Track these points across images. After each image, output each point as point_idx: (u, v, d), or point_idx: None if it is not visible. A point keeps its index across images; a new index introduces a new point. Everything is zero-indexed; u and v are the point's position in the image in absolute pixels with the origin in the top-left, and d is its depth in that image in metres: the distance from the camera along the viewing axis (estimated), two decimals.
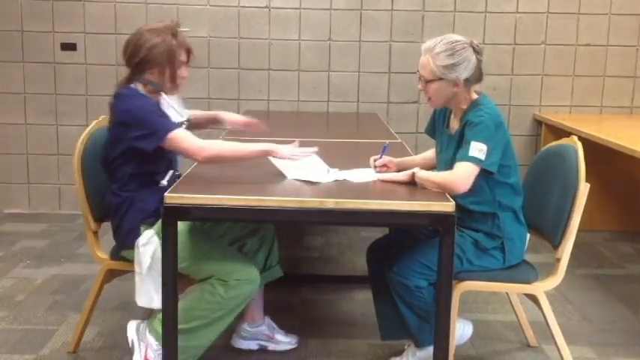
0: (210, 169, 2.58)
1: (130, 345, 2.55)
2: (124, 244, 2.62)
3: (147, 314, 3.14)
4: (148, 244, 2.46)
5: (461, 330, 2.77)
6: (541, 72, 5.08)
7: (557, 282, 2.62)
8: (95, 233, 2.80)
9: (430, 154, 2.90)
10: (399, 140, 3.52)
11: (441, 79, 2.51)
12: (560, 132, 4.24)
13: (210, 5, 4.98)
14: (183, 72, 2.62)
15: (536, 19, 5.01)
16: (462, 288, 2.58)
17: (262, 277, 2.83)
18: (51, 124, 5.09)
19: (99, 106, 5.00)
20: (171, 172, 2.64)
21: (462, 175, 2.40)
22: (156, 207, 2.46)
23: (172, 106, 2.66)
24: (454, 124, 2.65)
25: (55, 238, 4.54)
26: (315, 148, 2.60)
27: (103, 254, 2.79)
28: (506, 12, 5.00)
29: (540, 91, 5.11)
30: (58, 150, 5.12)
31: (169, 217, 2.21)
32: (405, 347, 2.83)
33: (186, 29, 2.65)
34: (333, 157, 2.80)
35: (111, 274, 2.81)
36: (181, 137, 2.47)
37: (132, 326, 2.59)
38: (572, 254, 2.63)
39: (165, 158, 2.60)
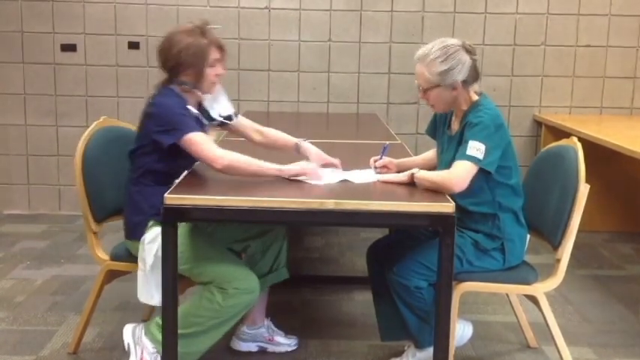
0: (210, 170, 2.58)
1: (127, 348, 2.55)
2: (131, 235, 2.63)
3: (146, 316, 3.15)
4: (153, 242, 2.46)
5: (461, 331, 2.77)
6: (541, 73, 5.09)
7: (557, 283, 2.62)
8: (95, 234, 2.80)
9: (430, 154, 2.91)
10: (399, 141, 3.52)
11: (438, 85, 2.52)
12: (560, 133, 4.24)
13: (210, 6, 4.98)
14: (217, 69, 2.61)
15: (536, 20, 5.02)
16: (462, 289, 2.58)
17: (268, 279, 2.83)
18: (51, 125, 5.09)
19: (99, 107, 5.01)
20: (186, 173, 2.63)
21: (459, 173, 2.40)
22: None
23: (217, 102, 2.69)
24: (455, 126, 2.65)
25: (55, 239, 4.54)
26: (337, 161, 2.59)
27: (103, 255, 2.79)
28: (505, 13, 5.00)
29: (540, 92, 5.11)
30: (58, 151, 5.12)
31: (169, 217, 2.21)
32: (405, 348, 2.83)
33: (217, 27, 2.65)
34: (332, 157, 2.80)
35: (111, 275, 2.81)
36: (199, 141, 2.45)
37: (128, 330, 2.59)
38: (572, 255, 2.63)
39: (184, 160, 2.58)
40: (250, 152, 2.52)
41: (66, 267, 4.00)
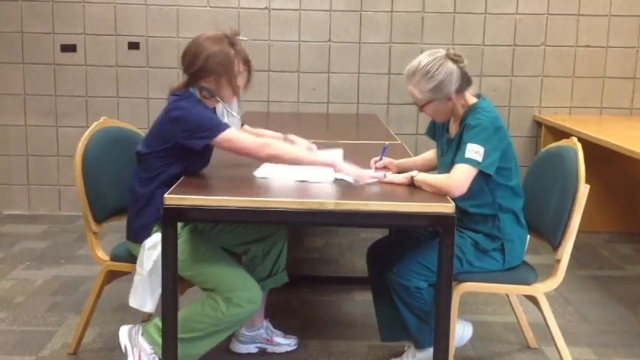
0: (210, 170, 2.58)
1: (124, 350, 2.55)
2: (134, 237, 2.60)
3: (145, 317, 3.15)
4: (154, 248, 2.46)
5: (461, 331, 2.77)
6: (541, 73, 5.09)
7: (557, 283, 2.62)
8: (95, 234, 2.80)
9: (430, 154, 2.90)
10: (399, 141, 3.52)
11: (432, 100, 2.52)
12: (560, 133, 4.24)
13: (210, 6, 4.98)
14: (239, 81, 2.60)
15: (535, 21, 5.02)
16: (462, 289, 2.58)
17: (267, 283, 2.83)
18: (51, 126, 5.09)
19: (99, 108, 5.01)
20: None
21: (459, 177, 2.40)
22: None
23: (229, 112, 2.68)
24: (453, 128, 2.65)
25: (54, 239, 4.54)
26: (383, 174, 2.54)
27: (103, 255, 2.79)
28: (505, 13, 5.00)
29: (540, 93, 5.11)
30: (58, 151, 5.12)
31: (169, 218, 2.21)
32: (405, 348, 2.83)
33: (245, 38, 2.64)
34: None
35: (111, 276, 2.81)
36: (235, 136, 2.47)
37: (124, 331, 2.58)
38: (572, 255, 2.63)
39: (200, 163, 2.58)
40: None
41: (66, 267, 4.00)
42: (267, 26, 5.00)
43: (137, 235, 2.58)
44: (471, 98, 2.59)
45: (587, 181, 2.55)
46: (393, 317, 2.75)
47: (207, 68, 2.52)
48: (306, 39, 5.02)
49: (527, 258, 2.73)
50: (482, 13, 5.00)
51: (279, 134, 2.92)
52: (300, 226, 4.46)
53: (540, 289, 2.61)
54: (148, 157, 2.55)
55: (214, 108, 2.67)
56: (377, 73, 5.06)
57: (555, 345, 2.64)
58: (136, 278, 2.49)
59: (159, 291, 2.39)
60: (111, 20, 4.97)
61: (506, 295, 3.07)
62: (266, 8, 4.99)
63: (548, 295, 2.68)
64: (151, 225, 2.53)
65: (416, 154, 3.06)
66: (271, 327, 2.97)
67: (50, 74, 5.03)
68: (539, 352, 3.02)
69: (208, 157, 2.63)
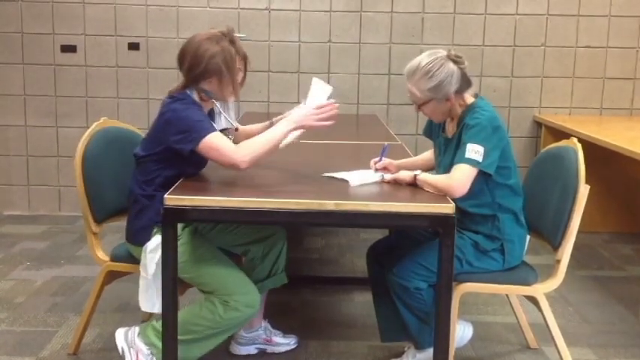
0: (210, 171, 2.58)
1: (121, 353, 2.55)
2: (133, 239, 2.60)
3: (145, 317, 3.15)
4: (155, 250, 2.45)
5: (461, 332, 2.77)
6: (541, 74, 5.09)
7: (557, 284, 2.62)
8: (95, 235, 2.80)
9: (430, 154, 2.90)
10: (399, 142, 3.52)
11: (431, 99, 2.52)
12: (560, 134, 4.24)
13: (210, 7, 4.98)
14: (238, 78, 2.58)
15: (535, 21, 5.02)
16: (462, 290, 2.58)
17: (266, 284, 2.83)
18: (51, 126, 5.09)
19: (99, 108, 5.01)
20: None
21: (460, 178, 2.40)
22: None
23: (225, 114, 2.66)
24: (450, 128, 2.65)
25: (54, 239, 4.54)
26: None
27: (103, 256, 2.79)
28: (505, 14, 5.00)
29: (540, 93, 5.11)
30: (58, 152, 5.12)
31: (169, 218, 2.21)
32: (405, 349, 2.83)
33: (242, 35, 2.63)
34: (333, 158, 2.81)
35: (111, 276, 2.81)
36: (216, 145, 2.37)
37: (120, 334, 2.59)
38: (572, 256, 2.63)
39: (196, 167, 2.56)
40: None
41: (66, 268, 4.00)
42: (267, 27, 5.00)
43: (136, 237, 2.58)
44: (468, 98, 2.59)
45: (587, 182, 2.55)
46: (392, 318, 2.75)
47: (210, 69, 2.50)
48: (306, 39, 5.03)
49: (527, 258, 2.73)
50: (482, 14, 5.00)
51: (265, 123, 2.90)
52: (300, 226, 4.46)
53: (540, 290, 2.61)
54: (145, 160, 2.55)
55: (211, 109, 2.66)
56: (377, 74, 5.06)
57: (555, 345, 2.64)
58: (142, 282, 2.49)
59: None
60: (111, 21, 4.97)
61: (506, 295, 3.07)
62: (266, 9, 4.99)
63: (548, 296, 2.68)
64: (149, 227, 2.53)
65: (416, 155, 3.06)
66: (270, 327, 2.97)
67: (50, 75, 5.03)
68: (539, 353, 3.02)
69: (203, 161, 2.56)
